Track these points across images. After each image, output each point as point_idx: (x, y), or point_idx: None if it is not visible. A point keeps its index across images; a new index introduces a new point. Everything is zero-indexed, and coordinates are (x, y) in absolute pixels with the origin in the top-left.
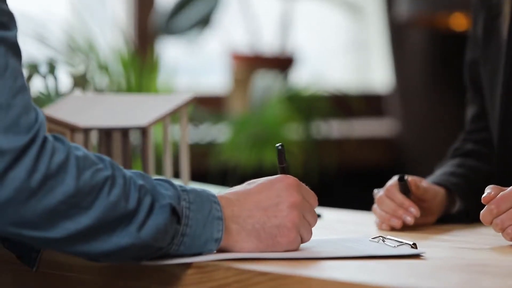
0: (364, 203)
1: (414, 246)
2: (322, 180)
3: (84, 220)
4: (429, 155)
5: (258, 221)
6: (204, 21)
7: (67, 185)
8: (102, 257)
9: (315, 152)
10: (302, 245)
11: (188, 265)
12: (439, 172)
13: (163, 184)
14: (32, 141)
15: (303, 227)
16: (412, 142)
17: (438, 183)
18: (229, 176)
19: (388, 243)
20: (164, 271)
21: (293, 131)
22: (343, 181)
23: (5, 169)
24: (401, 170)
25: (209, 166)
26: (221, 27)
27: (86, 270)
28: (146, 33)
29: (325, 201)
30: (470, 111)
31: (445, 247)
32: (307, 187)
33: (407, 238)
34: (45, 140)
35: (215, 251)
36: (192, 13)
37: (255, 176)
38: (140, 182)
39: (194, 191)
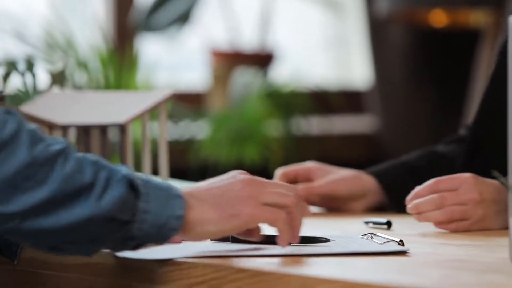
0: None
1: (401, 243)
2: None
3: (40, 194)
4: (409, 152)
5: (216, 194)
6: (183, 18)
7: (21, 155)
8: (63, 236)
9: (295, 149)
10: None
11: (166, 262)
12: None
13: (117, 164)
14: None
15: (267, 196)
16: (392, 138)
17: (372, 173)
18: (209, 173)
19: (375, 240)
20: (142, 268)
21: (273, 128)
22: None
23: None
24: None
25: (188, 163)
26: (200, 23)
27: (65, 268)
28: (125, 29)
29: None
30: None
31: (425, 243)
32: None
33: (395, 235)
34: None
35: (178, 230)
36: (172, 9)
37: None
38: (94, 158)
39: (145, 174)
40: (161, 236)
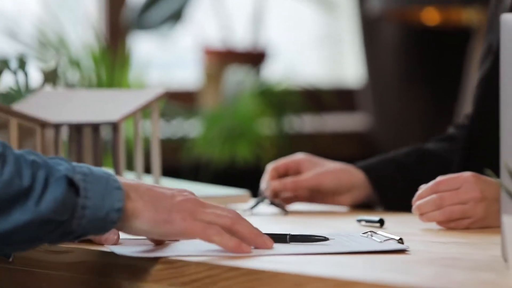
0: None
1: (400, 241)
2: None
3: None
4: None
5: (156, 196)
6: (176, 16)
7: None
8: (2, 240)
9: (288, 147)
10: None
11: (159, 261)
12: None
13: (55, 159)
14: None
15: (204, 215)
16: (385, 136)
17: (360, 167)
18: (201, 171)
19: (375, 238)
20: (135, 266)
21: (266, 126)
22: None
23: None
24: None
25: (181, 161)
26: (193, 21)
27: (58, 267)
28: (117, 28)
29: None
30: (479, 74)
31: (417, 241)
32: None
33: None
34: None
35: (117, 223)
36: (164, 7)
37: (227, 171)
38: (32, 157)
39: (85, 165)
40: (100, 229)
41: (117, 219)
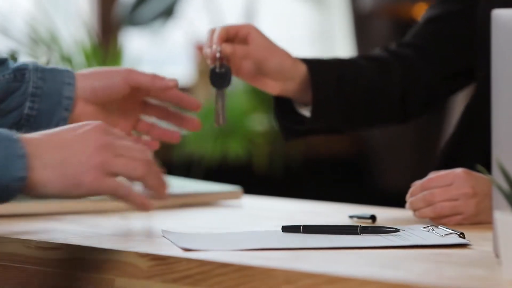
0: (329, 194)
1: (462, 235)
2: (288, 171)
3: None
4: (393, 146)
5: (62, 158)
6: (167, 12)
7: None
8: None
9: (280, 143)
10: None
11: (150, 257)
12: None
13: None
14: None
15: (115, 167)
16: (376, 133)
17: (305, 61)
18: (193, 168)
19: (436, 232)
20: (126, 263)
21: (258, 122)
22: (308, 171)
23: None
24: (365, 161)
25: (173, 157)
26: (185, 17)
27: (49, 263)
28: (109, 24)
29: (289, 192)
30: (429, 13)
31: None
32: (121, 133)
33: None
34: None
35: (22, 191)
36: (156, 3)
37: (219, 167)
38: None
39: None
40: (5, 198)
41: (19, 188)
